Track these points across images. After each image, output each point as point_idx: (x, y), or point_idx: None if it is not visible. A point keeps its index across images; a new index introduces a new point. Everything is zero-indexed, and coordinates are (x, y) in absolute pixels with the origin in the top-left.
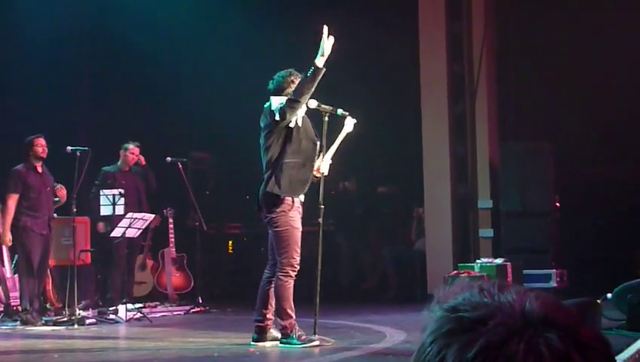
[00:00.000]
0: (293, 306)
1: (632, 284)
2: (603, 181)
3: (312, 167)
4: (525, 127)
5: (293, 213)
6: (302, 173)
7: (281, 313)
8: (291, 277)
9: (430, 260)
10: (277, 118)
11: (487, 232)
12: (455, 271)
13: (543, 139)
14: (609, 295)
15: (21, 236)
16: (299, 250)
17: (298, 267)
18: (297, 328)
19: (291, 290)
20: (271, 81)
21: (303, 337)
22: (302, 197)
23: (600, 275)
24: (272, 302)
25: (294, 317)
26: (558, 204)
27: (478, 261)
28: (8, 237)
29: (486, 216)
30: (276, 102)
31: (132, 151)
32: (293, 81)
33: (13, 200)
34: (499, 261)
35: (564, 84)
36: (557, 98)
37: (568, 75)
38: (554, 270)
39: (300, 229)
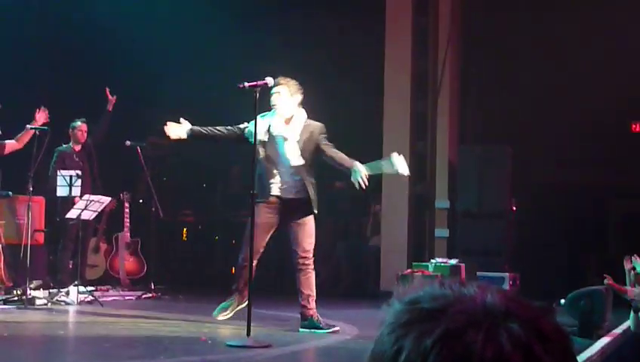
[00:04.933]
0: None
1: (584, 291)
2: (560, 185)
3: None
4: (486, 128)
5: None
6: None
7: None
8: None
9: (384, 257)
10: None
11: (442, 232)
12: (409, 270)
13: (503, 142)
14: (562, 301)
15: None
16: None
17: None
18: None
19: None
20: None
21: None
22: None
23: (553, 280)
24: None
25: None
26: (514, 207)
27: (432, 260)
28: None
29: (442, 215)
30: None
31: (80, 129)
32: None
33: None
34: (453, 261)
35: (527, 87)
36: (518, 100)
37: (531, 77)
38: (507, 273)
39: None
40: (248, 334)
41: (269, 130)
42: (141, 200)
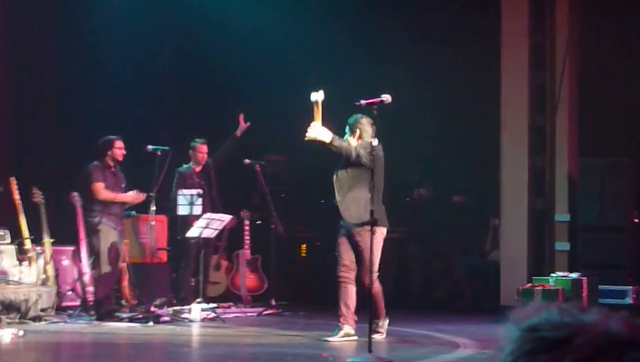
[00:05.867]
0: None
1: None
2: None
3: None
4: (606, 141)
5: None
6: None
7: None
8: None
9: (504, 271)
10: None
11: (563, 246)
12: (529, 284)
13: (624, 155)
14: None
15: (97, 232)
16: None
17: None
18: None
19: None
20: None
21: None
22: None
23: None
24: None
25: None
26: (636, 220)
27: (553, 274)
28: (131, 196)
29: (562, 229)
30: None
31: (200, 151)
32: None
33: (102, 187)
34: (574, 275)
35: None
36: (638, 112)
37: None
38: (630, 286)
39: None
40: (370, 350)
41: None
42: (259, 221)
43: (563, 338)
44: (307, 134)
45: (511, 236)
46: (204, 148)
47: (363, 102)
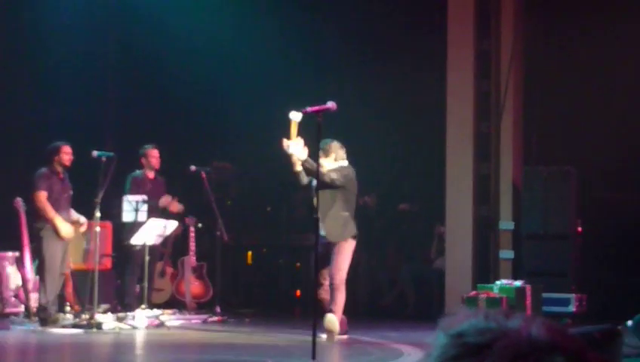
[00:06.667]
0: None
1: None
2: (626, 205)
3: None
4: (550, 149)
5: None
6: None
7: None
8: None
9: (449, 279)
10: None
11: (507, 253)
12: (474, 292)
13: (567, 163)
14: (629, 322)
15: (41, 238)
16: None
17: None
18: None
19: None
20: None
21: None
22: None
23: (620, 301)
24: None
25: None
26: (580, 228)
27: (497, 282)
28: (66, 228)
29: (507, 237)
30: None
31: (152, 155)
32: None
33: (44, 197)
34: (518, 283)
35: (591, 107)
36: (583, 121)
37: (595, 98)
38: (573, 294)
39: None
40: (314, 357)
41: None
42: (200, 224)
43: (485, 343)
44: (288, 148)
45: (456, 244)
46: (155, 152)
47: (309, 109)
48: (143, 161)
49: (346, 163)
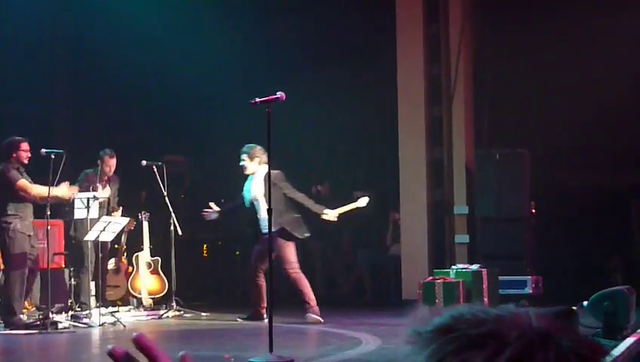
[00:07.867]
0: None
1: (607, 292)
2: (579, 187)
3: None
4: (501, 132)
5: None
6: None
7: None
8: None
9: (405, 265)
10: None
11: (462, 238)
12: (430, 277)
13: (520, 145)
14: (585, 303)
15: (7, 238)
16: None
17: None
18: None
19: None
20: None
21: None
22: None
23: (575, 282)
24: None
25: None
26: (533, 211)
27: (453, 267)
28: (63, 190)
29: (462, 221)
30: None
31: (108, 163)
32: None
33: (25, 183)
34: (474, 267)
35: (541, 90)
36: (534, 103)
37: (545, 80)
38: (529, 276)
39: None
40: (271, 350)
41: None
42: (148, 219)
43: (488, 333)
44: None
45: (411, 229)
46: (113, 161)
47: (258, 100)
48: (99, 163)
49: (266, 167)
